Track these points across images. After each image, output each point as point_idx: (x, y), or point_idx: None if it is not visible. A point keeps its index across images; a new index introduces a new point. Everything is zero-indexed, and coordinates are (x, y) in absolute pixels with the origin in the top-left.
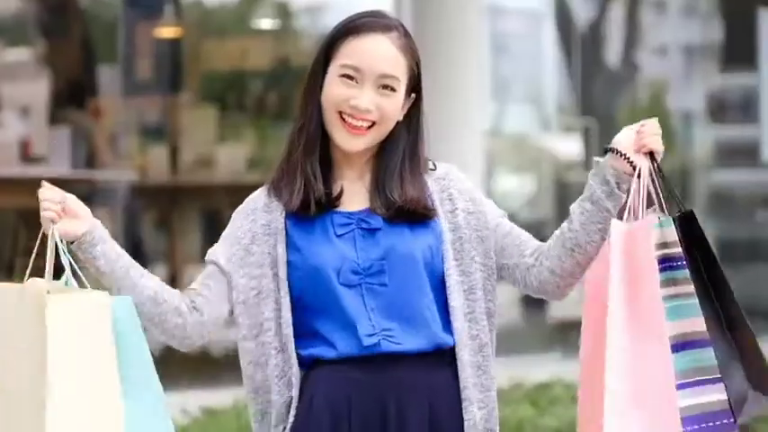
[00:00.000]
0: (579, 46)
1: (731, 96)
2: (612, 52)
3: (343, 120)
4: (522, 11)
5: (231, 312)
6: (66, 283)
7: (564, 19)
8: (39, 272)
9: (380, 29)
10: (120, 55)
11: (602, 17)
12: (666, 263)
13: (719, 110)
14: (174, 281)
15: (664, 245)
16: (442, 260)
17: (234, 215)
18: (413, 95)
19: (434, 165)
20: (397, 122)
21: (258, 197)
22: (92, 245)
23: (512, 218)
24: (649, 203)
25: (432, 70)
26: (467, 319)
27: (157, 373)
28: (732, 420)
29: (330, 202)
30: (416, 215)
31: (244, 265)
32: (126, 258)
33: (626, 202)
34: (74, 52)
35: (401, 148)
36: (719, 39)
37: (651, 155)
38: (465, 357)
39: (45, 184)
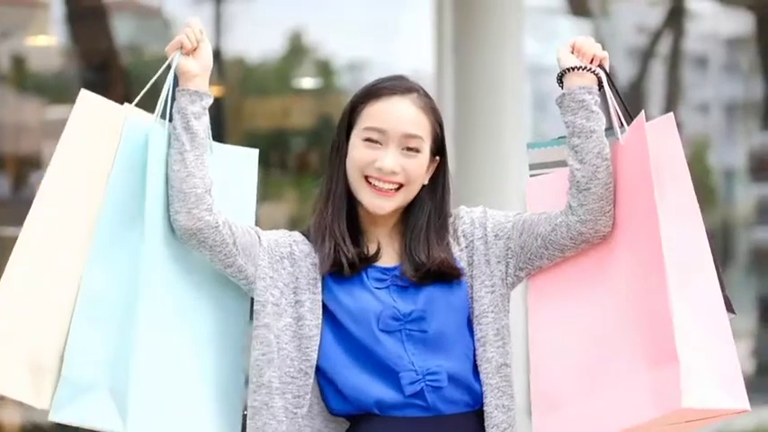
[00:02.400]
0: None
1: None
2: (654, 110)
3: (370, 183)
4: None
5: (239, 269)
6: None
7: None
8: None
9: (401, 91)
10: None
11: (643, 75)
12: None
13: (761, 167)
14: None
15: None
16: (469, 313)
17: (273, 230)
18: (437, 158)
19: (450, 213)
20: (422, 185)
21: (298, 235)
22: (203, 106)
23: None
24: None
25: (473, 129)
26: (486, 362)
27: None
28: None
29: (366, 261)
30: (444, 276)
31: (273, 267)
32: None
33: (608, 114)
34: None
35: (427, 211)
36: (761, 96)
37: (599, 66)
38: (490, 409)
39: (196, 18)
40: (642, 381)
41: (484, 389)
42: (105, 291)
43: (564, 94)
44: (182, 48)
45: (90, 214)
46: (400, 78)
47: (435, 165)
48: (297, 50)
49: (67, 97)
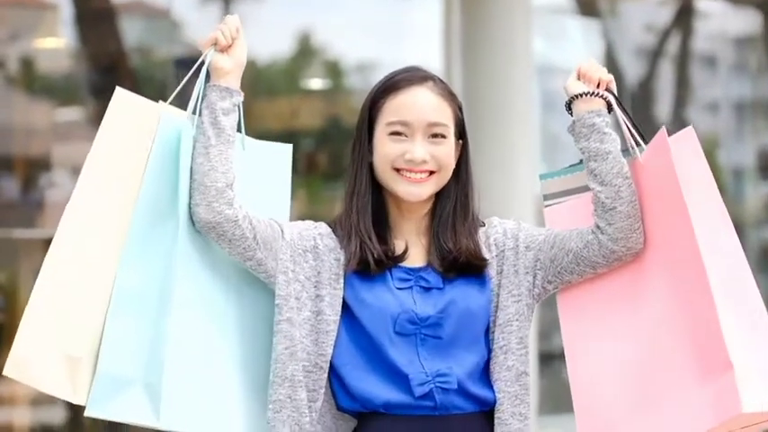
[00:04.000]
0: (629, 103)
1: None
2: (663, 109)
3: (402, 174)
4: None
5: (259, 262)
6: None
7: (614, 77)
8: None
9: (417, 81)
10: None
11: (652, 75)
12: None
13: None
14: None
15: None
16: (491, 317)
17: (301, 221)
18: (460, 141)
19: (483, 222)
20: None
21: (324, 228)
22: (233, 103)
23: None
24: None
25: (482, 129)
26: (506, 370)
27: None
28: None
29: (392, 260)
30: (470, 267)
31: (295, 261)
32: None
33: (621, 135)
34: None
35: (453, 196)
36: None
37: (606, 89)
38: (505, 416)
39: (236, 16)
40: (698, 391)
41: (501, 396)
42: (139, 286)
43: (574, 122)
44: (216, 44)
45: (125, 211)
46: (414, 69)
47: (459, 148)
48: (305, 51)
49: (76, 99)
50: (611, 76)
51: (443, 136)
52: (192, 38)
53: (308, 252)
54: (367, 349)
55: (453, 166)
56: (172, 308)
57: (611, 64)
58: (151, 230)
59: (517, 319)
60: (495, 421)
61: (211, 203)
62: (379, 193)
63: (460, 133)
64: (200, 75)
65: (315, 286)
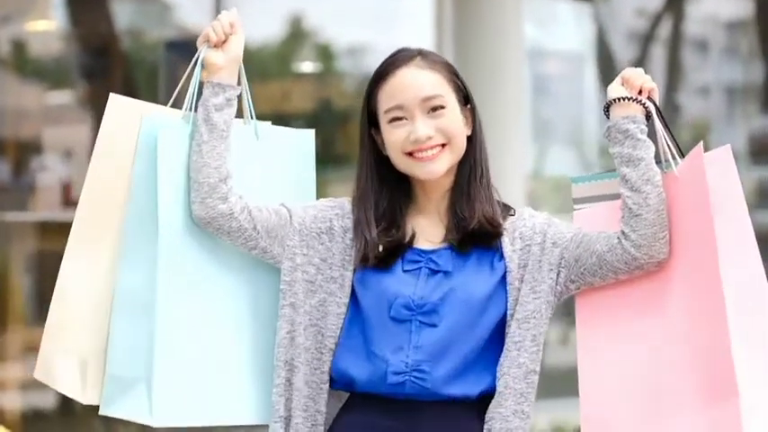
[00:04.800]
0: None
1: None
2: (654, 94)
3: (414, 158)
4: (563, 53)
5: (263, 250)
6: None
7: (605, 61)
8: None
9: (403, 62)
10: (162, 98)
11: (643, 58)
12: None
13: (761, 151)
14: None
15: None
16: (504, 307)
17: (322, 200)
18: (468, 107)
19: (514, 211)
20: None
21: (345, 206)
22: (226, 98)
23: None
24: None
25: None
26: (516, 366)
27: None
28: None
29: (399, 248)
30: (485, 236)
31: (308, 245)
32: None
33: (657, 146)
34: None
35: (469, 164)
36: (761, 80)
37: (648, 97)
38: (507, 413)
39: (233, 10)
40: (701, 414)
41: (507, 391)
42: (138, 287)
43: (609, 127)
44: (208, 40)
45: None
46: (400, 51)
47: (471, 113)
48: (297, 35)
49: (68, 82)
50: (654, 85)
51: (442, 107)
52: (184, 20)
53: (324, 234)
54: (363, 332)
55: (465, 134)
56: (157, 304)
57: (603, 48)
58: (144, 231)
59: (534, 317)
60: (496, 416)
61: (205, 200)
62: (403, 180)
63: (465, 99)
64: (195, 72)
65: (330, 268)
